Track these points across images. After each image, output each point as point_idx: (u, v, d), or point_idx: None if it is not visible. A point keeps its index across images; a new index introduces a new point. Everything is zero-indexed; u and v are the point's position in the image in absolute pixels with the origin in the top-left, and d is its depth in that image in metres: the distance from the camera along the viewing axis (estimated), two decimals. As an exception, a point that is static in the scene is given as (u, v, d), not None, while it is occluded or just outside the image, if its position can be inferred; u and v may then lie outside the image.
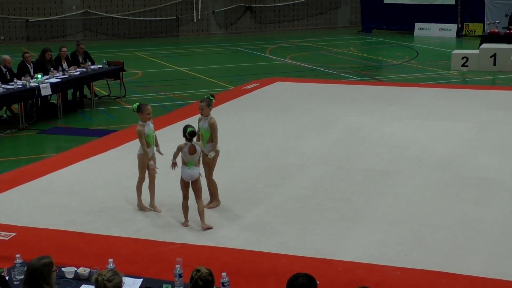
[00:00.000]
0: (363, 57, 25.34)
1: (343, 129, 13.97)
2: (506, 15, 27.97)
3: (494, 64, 21.16)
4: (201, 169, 9.16)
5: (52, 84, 15.37)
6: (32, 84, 14.99)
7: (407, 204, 9.73)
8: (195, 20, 32.18)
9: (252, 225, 9.03)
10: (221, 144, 11.61)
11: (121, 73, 18.07)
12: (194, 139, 9.03)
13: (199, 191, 8.96)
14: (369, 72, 21.83)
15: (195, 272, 5.30)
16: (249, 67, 22.89)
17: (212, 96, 9.88)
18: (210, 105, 9.70)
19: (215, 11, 32.45)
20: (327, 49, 26.93)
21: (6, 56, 15.87)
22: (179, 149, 8.98)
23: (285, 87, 18.59)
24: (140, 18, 31.35)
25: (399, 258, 7.96)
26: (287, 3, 33.28)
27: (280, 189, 10.41)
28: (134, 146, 12.79)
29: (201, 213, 8.93)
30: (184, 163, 8.94)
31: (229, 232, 8.76)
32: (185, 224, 9.03)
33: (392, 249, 8.22)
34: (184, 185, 9.03)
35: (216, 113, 15.38)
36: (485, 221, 9.08)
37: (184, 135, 8.91)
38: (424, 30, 30.49)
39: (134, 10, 31.24)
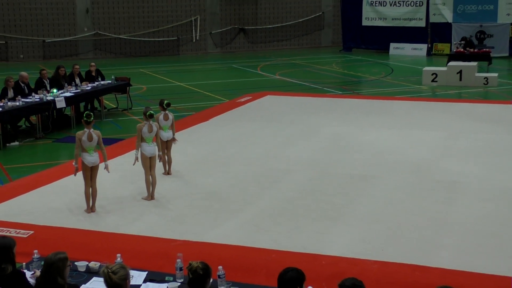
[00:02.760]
0: (344, 73, 25.36)
1: (326, 137, 13.95)
2: (471, 36, 28.03)
3: (460, 79, 21.18)
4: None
5: (66, 98, 15.32)
6: (48, 98, 14.95)
7: (384, 204, 9.71)
8: (194, 40, 32.16)
9: (246, 223, 9.00)
10: (218, 151, 11.60)
11: (127, 87, 18.02)
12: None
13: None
14: (349, 87, 21.85)
15: (188, 266, 5.25)
16: (242, 82, 22.88)
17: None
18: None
19: (212, 32, 32.45)
20: (312, 66, 26.93)
21: (23, 73, 15.81)
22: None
23: (274, 100, 18.58)
24: (144, 39, 31.31)
25: (377, 253, 7.93)
26: (276, 25, 33.31)
27: (270, 192, 10.38)
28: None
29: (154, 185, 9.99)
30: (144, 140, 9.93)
31: (225, 230, 8.73)
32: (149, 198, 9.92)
33: (371, 245, 8.20)
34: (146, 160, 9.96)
35: (213, 123, 15.46)
36: (454, 219, 9.08)
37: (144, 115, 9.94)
38: (398, 50, 30.56)
39: (139, 31, 31.21)
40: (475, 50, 24.59)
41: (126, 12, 30.97)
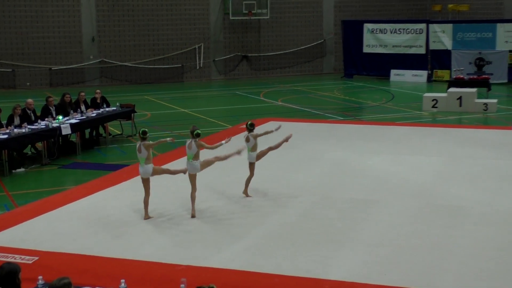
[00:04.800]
0: (345, 100, 25.41)
1: (329, 162, 13.94)
2: (470, 63, 28.19)
3: (460, 105, 21.19)
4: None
5: (71, 125, 15.36)
6: (54, 125, 14.99)
7: (387, 229, 9.66)
8: (198, 67, 32.31)
9: (250, 248, 8.95)
10: (221, 176, 11.59)
11: (132, 114, 18.07)
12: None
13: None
14: (351, 113, 21.87)
15: None
16: (245, 109, 22.93)
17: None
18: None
19: (216, 59, 32.62)
20: (314, 92, 27.01)
21: (29, 100, 15.87)
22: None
23: (277, 125, 18.53)
24: (149, 66, 31.47)
25: (380, 277, 7.88)
26: (279, 53, 33.47)
27: (274, 216, 10.35)
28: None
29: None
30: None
31: (229, 255, 8.68)
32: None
33: (373, 269, 8.15)
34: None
35: (217, 149, 15.41)
36: (455, 244, 9.02)
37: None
38: (399, 76, 30.63)
39: (144, 59, 31.37)
40: (475, 77, 24.68)
41: (132, 40, 31.17)
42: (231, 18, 31.99)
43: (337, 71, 33.65)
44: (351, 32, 31.82)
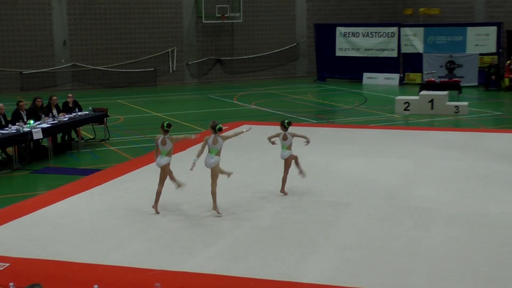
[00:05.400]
0: (318, 103, 25.57)
1: (303, 166, 14.01)
2: (441, 66, 28.55)
3: (432, 108, 21.45)
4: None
5: (43, 129, 15.27)
6: (25, 129, 14.89)
7: (358, 231, 9.78)
8: (171, 71, 32.27)
9: (223, 252, 9.00)
10: (193, 182, 11.63)
11: (105, 118, 18.02)
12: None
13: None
14: (324, 116, 22.03)
15: None
16: (219, 112, 22.95)
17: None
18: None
19: (189, 63, 32.60)
20: (287, 96, 27.13)
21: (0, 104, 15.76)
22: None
23: (251, 129, 18.59)
24: (122, 70, 31.36)
25: (351, 279, 7.98)
26: (252, 56, 33.56)
27: (247, 220, 10.40)
28: (116, 184, 12.76)
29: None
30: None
31: (203, 259, 8.72)
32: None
33: (345, 271, 8.25)
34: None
35: (189, 153, 15.45)
36: (425, 245, 9.17)
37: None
38: (371, 79, 30.89)
39: (117, 62, 31.26)
40: (446, 80, 25.01)
41: (104, 44, 31.04)
42: (204, 21, 32.01)
43: (310, 74, 33.84)
44: (324, 36, 32.02)
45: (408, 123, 20.15)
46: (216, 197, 10.64)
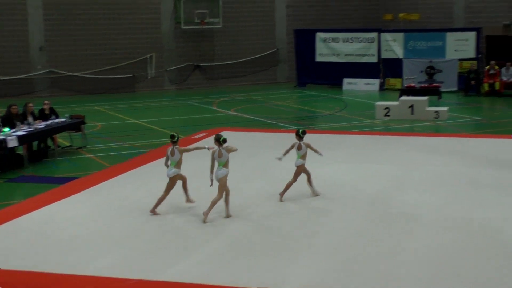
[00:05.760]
0: (299, 109, 25.56)
1: (283, 172, 13.93)
2: (421, 71, 28.71)
3: (412, 113, 21.50)
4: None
5: (18, 137, 15.03)
6: (0, 137, 14.64)
7: (342, 237, 9.72)
8: (149, 77, 32.09)
9: (204, 260, 8.88)
10: (175, 188, 11.51)
11: (82, 125, 17.81)
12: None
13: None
14: (304, 122, 22.00)
15: None
16: (198, 119, 22.85)
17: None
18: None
19: (168, 69, 32.45)
20: (268, 101, 27.09)
21: (-27, 111, 15.49)
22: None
23: (230, 136, 18.50)
24: (100, 76, 31.12)
25: (335, 286, 7.91)
26: (232, 62, 33.50)
27: (229, 226, 10.31)
28: (94, 191, 12.59)
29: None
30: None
31: (182, 267, 8.60)
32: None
33: (330, 277, 8.18)
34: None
35: (155, 165, 15.27)
36: (409, 251, 9.13)
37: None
38: (352, 85, 30.96)
39: (94, 68, 31.01)
40: (426, 85, 25.14)
41: (81, 50, 30.80)
42: (183, 27, 31.90)
43: (290, 80, 33.85)
44: (304, 41, 32.06)
45: (388, 129, 20.18)
46: (213, 208, 10.62)
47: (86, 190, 12.65)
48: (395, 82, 29.86)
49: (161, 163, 15.00)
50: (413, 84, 25.29)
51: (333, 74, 31.29)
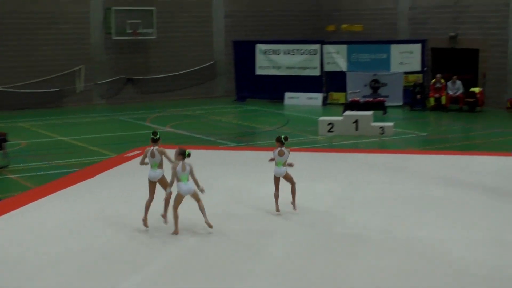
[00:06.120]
0: (238, 124, 25.65)
1: (222, 192, 13.98)
2: (365, 85, 29.16)
3: (357, 129, 21.85)
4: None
5: None
6: None
7: (284, 260, 9.78)
8: (78, 91, 31.66)
9: (139, 286, 8.81)
10: (107, 209, 11.38)
11: (3, 143, 17.44)
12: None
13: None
14: (244, 138, 22.08)
15: None
16: (131, 136, 22.66)
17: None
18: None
19: (98, 82, 32.09)
20: (205, 117, 27.10)
21: None
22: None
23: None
24: (24, 90, 30.52)
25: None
26: (167, 75, 33.37)
27: (166, 250, 10.28)
28: (17, 215, 12.33)
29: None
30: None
31: (114, 296, 8.52)
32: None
33: (270, 304, 8.22)
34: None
35: (97, 180, 15.16)
36: (355, 274, 9.25)
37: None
38: (293, 99, 31.17)
39: (18, 82, 30.42)
40: (370, 99, 25.59)
41: (3, 62, 30.18)
42: (114, 37, 31.66)
43: (229, 94, 33.94)
44: (243, 53, 32.18)
45: (332, 145, 20.44)
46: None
47: (9, 213, 12.39)
48: (338, 97, 30.23)
49: (90, 184, 14.86)
50: (357, 99, 25.71)
51: (274, 88, 31.46)
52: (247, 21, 34.65)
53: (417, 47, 29.40)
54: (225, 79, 34.53)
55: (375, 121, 22.48)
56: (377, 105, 25.26)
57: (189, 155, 11.12)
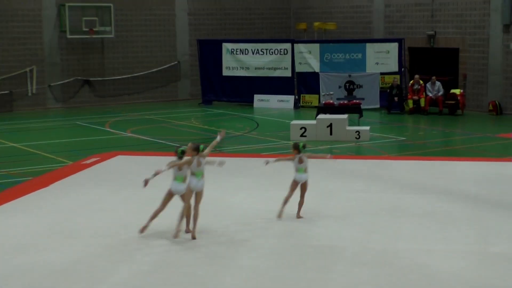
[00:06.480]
0: (204, 129, 25.64)
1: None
2: (340, 87, 29.31)
3: (331, 134, 21.94)
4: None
5: None
6: None
7: (253, 274, 9.81)
8: (30, 94, 31.40)
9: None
10: (62, 221, 11.32)
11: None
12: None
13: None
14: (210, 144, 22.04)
15: None
16: (88, 142, 22.54)
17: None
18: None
19: (51, 84, 31.85)
20: (168, 121, 27.05)
21: None
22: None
23: (126, 160, 18.44)
24: (-30, 93, 30.23)
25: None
26: (127, 76, 33.23)
27: (123, 266, 10.22)
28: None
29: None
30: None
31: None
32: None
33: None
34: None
35: (55, 189, 15.06)
36: (329, 287, 9.31)
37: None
38: (263, 102, 31.21)
39: (-37, 84, 30.11)
40: (345, 102, 25.74)
41: None
42: (68, 36, 31.44)
43: (194, 97, 33.92)
44: (209, 53, 32.14)
45: (305, 151, 20.46)
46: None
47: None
48: (311, 99, 30.34)
49: (44, 194, 14.74)
50: (331, 101, 25.83)
51: (243, 90, 31.47)
52: (213, 19, 34.68)
53: (393, 47, 29.57)
54: (189, 81, 34.50)
55: (350, 125, 22.64)
56: (352, 108, 25.38)
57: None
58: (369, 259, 10.46)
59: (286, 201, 12.76)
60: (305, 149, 13.03)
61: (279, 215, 12.68)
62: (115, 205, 13.77)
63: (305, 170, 12.78)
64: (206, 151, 11.88)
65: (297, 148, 12.90)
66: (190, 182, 11.54)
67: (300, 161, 12.79)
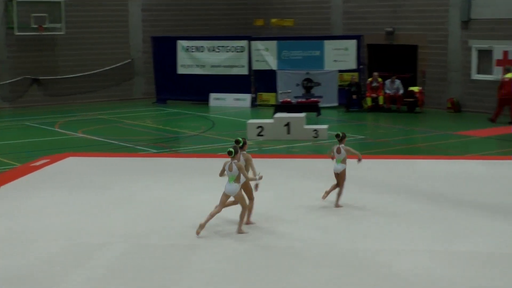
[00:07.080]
0: (159, 129, 25.50)
1: (143, 203, 13.86)
2: (297, 85, 29.38)
3: (288, 132, 22.00)
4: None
5: None
6: None
7: (211, 277, 9.77)
8: (-25, 93, 30.92)
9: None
10: (13, 227, 11.15)
11: None
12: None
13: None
14: (165, 144, 21.96)
15: None
16: (38, 143, 22.24)
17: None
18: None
19: (-1, 84, 31.40)
20: (122, 121, 26.83)
21: None
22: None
23: (78, 162, 18.23)
24: None
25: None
26: (79, 75, 32.87)
27: (79, 271, 10.10)
28: None
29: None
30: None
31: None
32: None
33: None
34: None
35: (3, 193, 14.81)
36: (291, 289, 9.31)
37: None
38: (219, 100, 31.17)
39: None
40: (303, 100, 25.81)
41: None
42: (16, 33, 31.00)
43: (148, 95, 33.70)
44: (163, 50, 32.00)
45: (262, 151, 20.53)
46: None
47: None
48: (268, 97, 30.38)
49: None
50: (288, 99, 25.90)
51: (198, 89, 31.39)
52: (167, 15, 34.51)
53: (352, 44, 29.81)
54: (143, 79, 34.29)
55: (308, 123, 22.72)
56: (310, 106, 25.50)
57: (230, 153, 11.76)
58: (333, 260, 10.49)
59: (329, 191, 13.55)
60: (338, 138, 13.51)
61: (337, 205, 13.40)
62: (69, 208, 13.58)
63: (342, 161, 13.40)
64: (244, 171, 11.92)
65: (337, 137, 13.55)
66: (225, 188, 11.84)
67: (338, 151, 13.43)
